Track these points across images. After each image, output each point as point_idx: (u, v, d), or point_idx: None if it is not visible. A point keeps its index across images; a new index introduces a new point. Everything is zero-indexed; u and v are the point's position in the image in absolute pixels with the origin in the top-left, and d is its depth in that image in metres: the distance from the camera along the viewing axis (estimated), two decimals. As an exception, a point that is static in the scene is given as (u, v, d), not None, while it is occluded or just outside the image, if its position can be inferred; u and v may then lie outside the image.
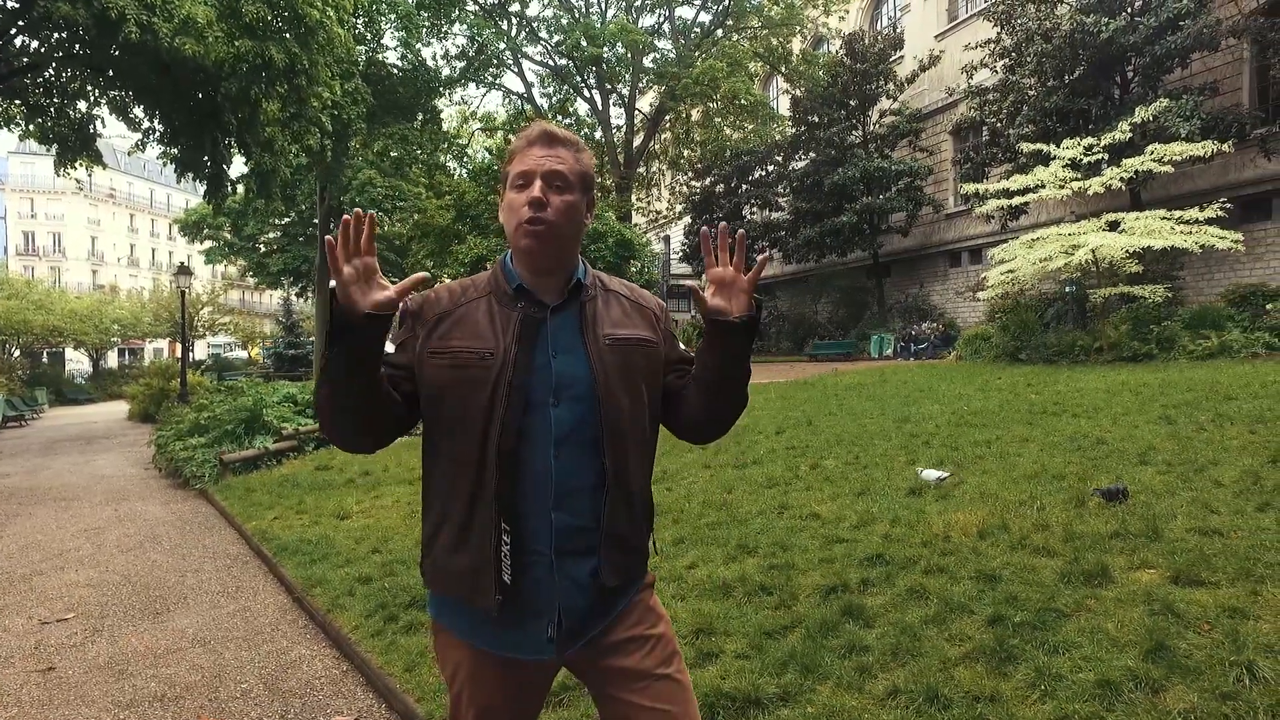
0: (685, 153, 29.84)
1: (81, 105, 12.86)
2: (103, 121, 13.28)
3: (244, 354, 41.07)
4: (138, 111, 12.91)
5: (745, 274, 1.42)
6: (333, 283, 1.27)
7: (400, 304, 1.45)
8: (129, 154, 15.99)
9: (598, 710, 1.53)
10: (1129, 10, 15.46)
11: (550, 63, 28.07)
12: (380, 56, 17.82)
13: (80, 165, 13.17)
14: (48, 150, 13.26)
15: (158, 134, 13.20)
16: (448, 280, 1.66)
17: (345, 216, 1.27)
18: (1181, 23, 14.52)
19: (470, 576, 1.38)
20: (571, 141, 1.45)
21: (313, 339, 25.55)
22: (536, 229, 1.38)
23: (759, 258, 1.42)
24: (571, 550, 1.40)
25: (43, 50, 11.51)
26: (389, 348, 1.44)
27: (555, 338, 1.42)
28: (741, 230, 1.40)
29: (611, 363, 1.42)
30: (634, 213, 29.29)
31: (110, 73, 11.69)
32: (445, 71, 22.33)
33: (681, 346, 1.61)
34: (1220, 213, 12.47)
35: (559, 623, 1.40)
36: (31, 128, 12.70)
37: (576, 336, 1.43)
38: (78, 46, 11.07)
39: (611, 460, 1.41)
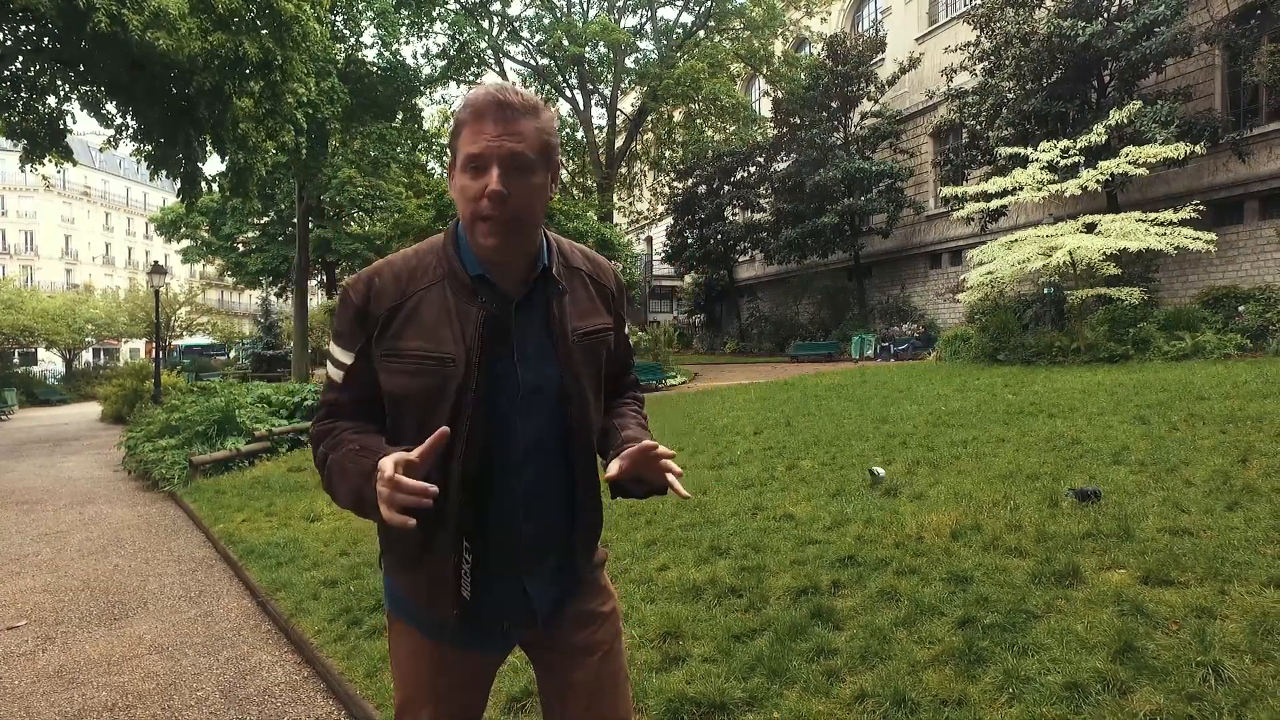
0: (667, 153, 29.86)
1: (51, 100, 12.56)
2: (73, 117, 12.99)
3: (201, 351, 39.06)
4: (110, 107, 12.62)
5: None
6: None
7: (346, 292, 1.30)
8: (101, 150, 15.69)
9: (537, 681, 1.51)
10: (1105, 15, 15.62)
11: (532, 62, 27.94)
12: (359, 55, 17.60)
13: (49, 161, 12.88)
14: (15, 145, 12.95)
15: (130, 130, 12.93)
16: None
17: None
18: (1156, 29, 14.69)
19: (427, 589, 1.33)
20: (529, 107, 1.23)
21: (291, 340, 25.23)
22: (500, 226, 1.21)
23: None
24: (540, 555, 1.35)
25: (8, 42, 11.23)
26: (344, 358, 1.29)
27: (521, 340, 1.28)
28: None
29: (579, 360, 1.33)
30: (615, 213, 29.24)
31: (81, 67, 11.43)
32: (425, 70, 22.14)
33: (626, 330, 1.51)
34: (1194, 214, 12.63)
35: (521, 620, 1.37)
36: (-2, 122, 12.38)
37: (545, 337, 1.30)
38: (45, 39, 10.82)
39: (581, 463, 1.34)
